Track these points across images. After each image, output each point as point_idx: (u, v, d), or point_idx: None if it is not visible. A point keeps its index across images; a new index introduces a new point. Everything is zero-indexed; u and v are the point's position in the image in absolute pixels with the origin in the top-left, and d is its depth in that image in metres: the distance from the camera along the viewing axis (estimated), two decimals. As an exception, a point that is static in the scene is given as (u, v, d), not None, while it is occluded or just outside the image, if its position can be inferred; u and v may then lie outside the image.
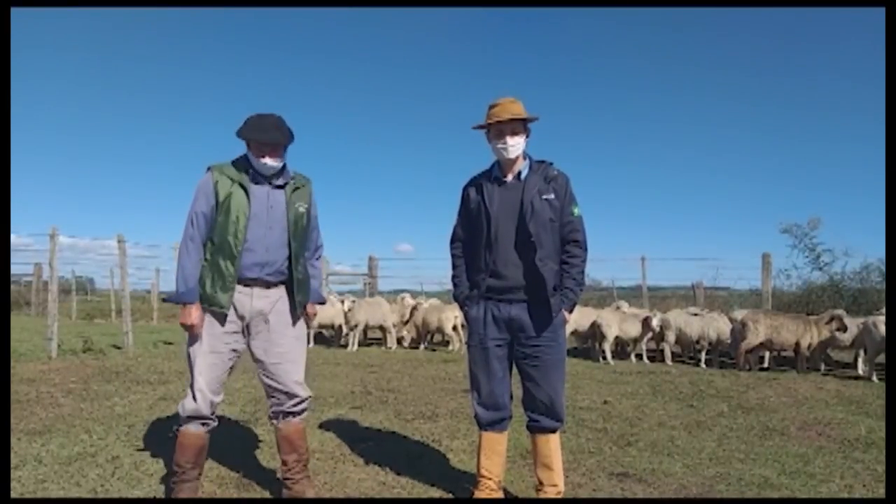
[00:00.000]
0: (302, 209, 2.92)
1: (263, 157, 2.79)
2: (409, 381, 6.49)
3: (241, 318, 2.83)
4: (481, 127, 2.93)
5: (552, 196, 2.82)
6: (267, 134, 2.77)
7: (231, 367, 2.89)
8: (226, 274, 2.76)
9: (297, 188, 2.93)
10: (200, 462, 2.86)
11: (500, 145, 2.85)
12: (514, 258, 2.81)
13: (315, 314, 3.10)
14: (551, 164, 2.93)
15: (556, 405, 2.86)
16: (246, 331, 2.87)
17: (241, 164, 2.85)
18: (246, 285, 2.81)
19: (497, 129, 2.84)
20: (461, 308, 3.03)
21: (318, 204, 3.09)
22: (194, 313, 2.76)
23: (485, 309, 2.88)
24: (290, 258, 2.88)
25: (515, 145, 2.84)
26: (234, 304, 2.80)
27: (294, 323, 2.93)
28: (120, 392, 5.61)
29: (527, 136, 2.90)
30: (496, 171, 2.92)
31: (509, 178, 2.89)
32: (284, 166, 2.90)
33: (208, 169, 2.85)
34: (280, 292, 2.90)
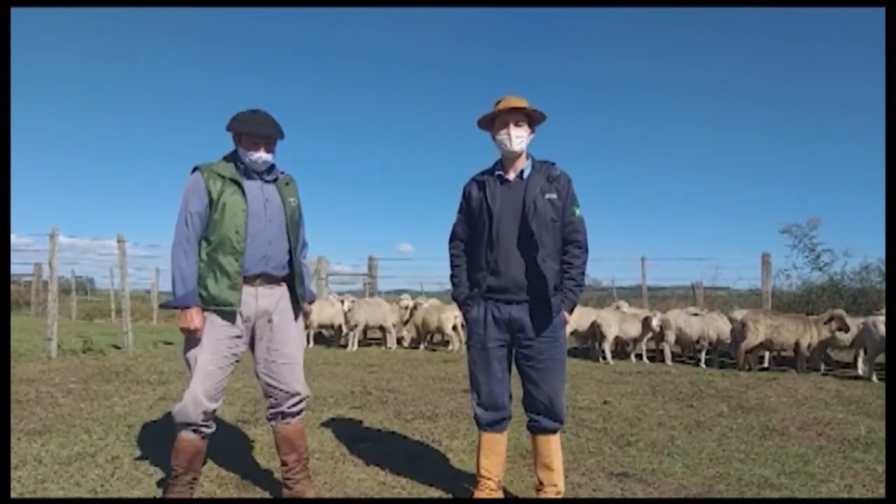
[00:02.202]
0: (294, 203, 2.95)
1: (257, 150, 2.78)
2: (409, 381, 6.49)
3: (247, 320, 2.79)
4: (485, 120, 2.92)
5: (554, 196, 2.82)
6: (262, 127, 2.77)
7: (230, 372, 2.86)
8: (230, 271, 2.71)
9: (287, 183, 2.95)
10: (195, 467, 2.82)
11: (503, 136, 2.84)
12: (515, 257, 2.80)
13: (310, 312, 3.11)
14: (553, 163, 2.93)
15: (556, 406, 2.85)
16: (249, 332, 2.84)
17: (231, 160, 2.84)
18: (250, 284, 2.77)
19: (501, 120, 2.84)
20: (461, 308, 3.02)
21: (315, 203, 3.11)
22: (196, 317, 2.68)
23: (485, 309, 2.87)
24: (290, 251, 2.88)
25: (519, 137, 2.83)
26: (240, 307, 2.74)
27: (296, 320, 2.94)
28: (120, 392, 5.60)
29: (531, 133, 2.89)
30: (498, 169, 2.92)
31: (511, 176, 2.89)
32: (273, 165, 2.91)
33: (195, 169, 2.80)
34: (283, 290, 2.89)
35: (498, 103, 2.88)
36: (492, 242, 2.82)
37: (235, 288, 2.71)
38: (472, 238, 2.95)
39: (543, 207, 2.79)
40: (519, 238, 2.79)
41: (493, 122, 2.89)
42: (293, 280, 2.90)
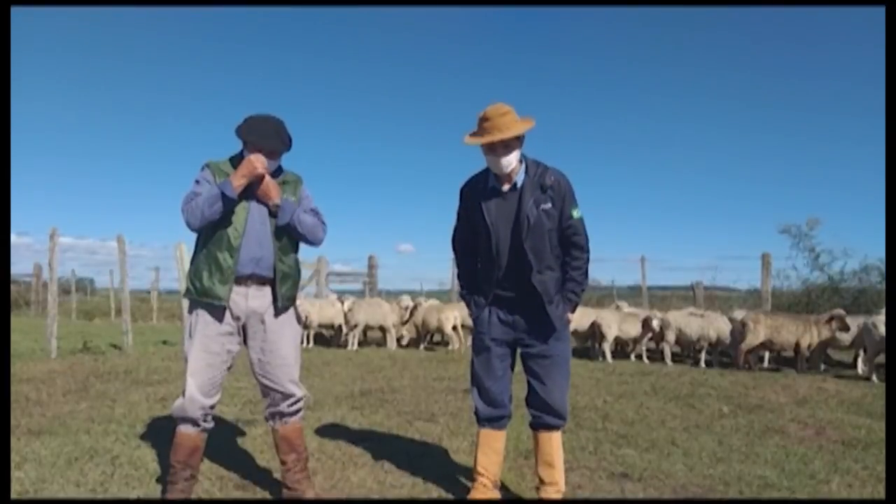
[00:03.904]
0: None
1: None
2: (409, 381, 6.49)
3: (237, 318, 2.81)
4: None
5: (549, 205, 2.79)
6: (266, 140, 2.79)
7: (228, 368, 2.86)
8: (224, 266, 2.74)
9: (284, 182, 2.93)
10: (192, 463, 2.84)
11: (492, 163, 2.79)
12: (514, 274, 2.82)
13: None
14: (547, 168, 2.86)
15: (559, 403, 2.87)
16: (241, 332, 2.86)
17: (237, 161, 2.85)
18: (241, 284, 2.79)
19: (488, 147, 2.76)
20: (467, 307, 3.04)
21: (315, 203, 3.07)
22: (244, 166, 2.70)
23: (489, 310, 2.90)
24: (277, 252, 2.85)
25: (509, 161, 2.77)
26: (230, 305, 2.78)
27: (289, 322, 2.93)
28: (120, 392, 5.60)
29: (521, 146, 2.81)
30: (493, 180, 2.86)
31: (506, 187, 2.85)
32: (279, 167, 2.92)
33: (205, 166, 2.85)
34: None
35: (482, 121, 2.75)
36: (492, 259, 2.84)
37: (226, 283, 2.74)
38: (474, 248, 2.96)
39: (538, 221, 2.77)
40: (516, 255, 2.80)
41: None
42: (275, 279, 2.85)
